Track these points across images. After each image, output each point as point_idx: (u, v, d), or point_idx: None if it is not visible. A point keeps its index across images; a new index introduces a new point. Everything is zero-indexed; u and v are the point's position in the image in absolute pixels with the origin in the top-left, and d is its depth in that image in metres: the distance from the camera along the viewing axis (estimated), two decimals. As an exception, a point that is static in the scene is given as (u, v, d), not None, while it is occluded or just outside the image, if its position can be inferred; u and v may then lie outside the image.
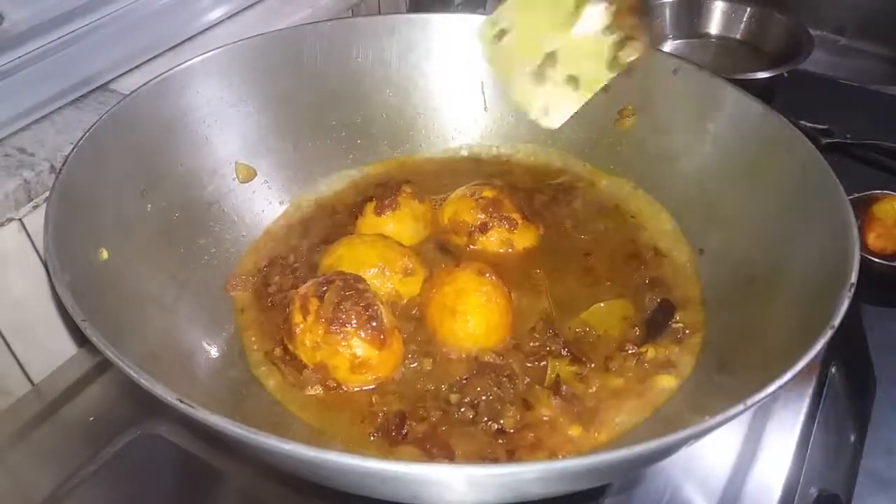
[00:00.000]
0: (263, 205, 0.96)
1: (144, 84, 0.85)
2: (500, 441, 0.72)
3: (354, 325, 0.74)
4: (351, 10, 1.25)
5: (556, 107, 0.82)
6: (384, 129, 1.05)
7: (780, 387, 0.57)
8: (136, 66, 1.00)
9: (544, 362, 0.78)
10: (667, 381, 0.77)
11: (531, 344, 0.80)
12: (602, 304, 0.85)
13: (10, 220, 0.83)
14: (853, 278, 0.65)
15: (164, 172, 0.86)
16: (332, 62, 1.00)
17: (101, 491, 0.78)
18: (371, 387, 0.76)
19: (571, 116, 0.82)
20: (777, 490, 0.77)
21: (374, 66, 1.03)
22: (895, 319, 1.02)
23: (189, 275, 0.84)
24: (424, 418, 0.73)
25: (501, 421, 0.73)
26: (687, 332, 0.82)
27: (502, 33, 0.83)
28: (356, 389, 0.76)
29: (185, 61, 0.89)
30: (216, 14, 1.10)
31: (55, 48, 0.92)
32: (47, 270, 0.65)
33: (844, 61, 1.67)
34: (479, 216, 0.92)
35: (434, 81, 1.05)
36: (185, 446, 0.80)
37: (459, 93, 1.06)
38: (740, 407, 0.55)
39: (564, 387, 0.75)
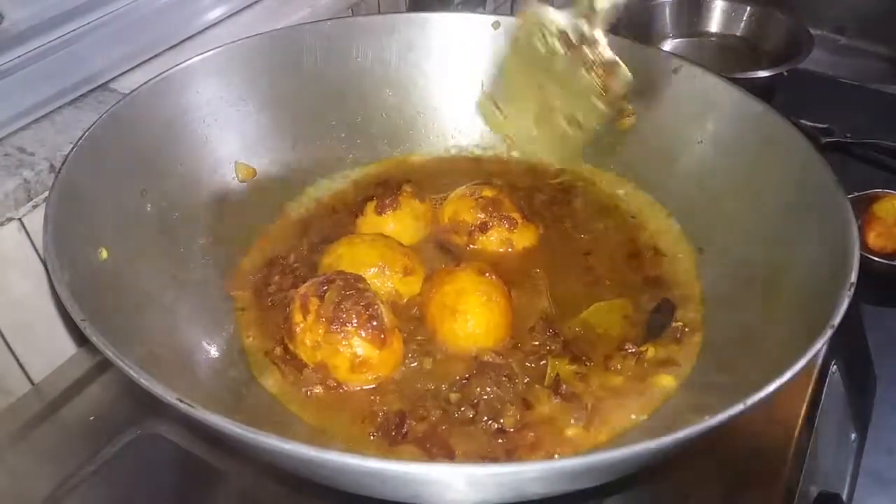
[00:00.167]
0: (263, 204, 0.96)
1: (144, 83, 0.85)
2: (499, 440, 0.72)
3: (355, 325, 0.74)
4: (350, 10, 1.25)
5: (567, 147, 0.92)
6: (384, 128, 1.05)
7: (780, 386, 0.57)
8: (136, 66, 1.00)
9: (544, 361, 0.78)
10: (667, 381, 0.77)
11: (531, 343, 0.80)
12: (602, 304, 0.85)
13: (10, 219, 0.83)
14: (853, 277, 0.65)
15: (163, 172, 0.86)
16: (332, 61, 1.00)
17: (101, 491, 0.78)
18: (371, 386, 0.76)
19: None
20: (777, 490, 0.77)
21: (374, 65, 1.03)
22: (895, 319, 1.02)
23: (189, 275, 0.84)
24: (424, 418, 0.73)
25: (501, 420, 0.73)
26: (687, 331, 0.82)
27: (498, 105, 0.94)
28: (356, 389, 0.76)
29: (185, 60, 0.89)
30: (216, 13, 1.10)
31: (55, 47, 0.92)
32: (47, 270, 0.65)
33: (844, 60, 1.67)
34: (479, 216, 0.92)
35: (434, 81, 1.05)
36: (185, 446, 0.80)
37: (459, 92, 1.05)
38: (740, 407, 0.55)
39: (564, 386, 0.75)
